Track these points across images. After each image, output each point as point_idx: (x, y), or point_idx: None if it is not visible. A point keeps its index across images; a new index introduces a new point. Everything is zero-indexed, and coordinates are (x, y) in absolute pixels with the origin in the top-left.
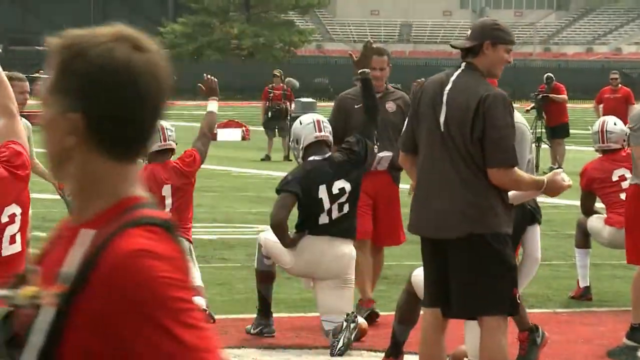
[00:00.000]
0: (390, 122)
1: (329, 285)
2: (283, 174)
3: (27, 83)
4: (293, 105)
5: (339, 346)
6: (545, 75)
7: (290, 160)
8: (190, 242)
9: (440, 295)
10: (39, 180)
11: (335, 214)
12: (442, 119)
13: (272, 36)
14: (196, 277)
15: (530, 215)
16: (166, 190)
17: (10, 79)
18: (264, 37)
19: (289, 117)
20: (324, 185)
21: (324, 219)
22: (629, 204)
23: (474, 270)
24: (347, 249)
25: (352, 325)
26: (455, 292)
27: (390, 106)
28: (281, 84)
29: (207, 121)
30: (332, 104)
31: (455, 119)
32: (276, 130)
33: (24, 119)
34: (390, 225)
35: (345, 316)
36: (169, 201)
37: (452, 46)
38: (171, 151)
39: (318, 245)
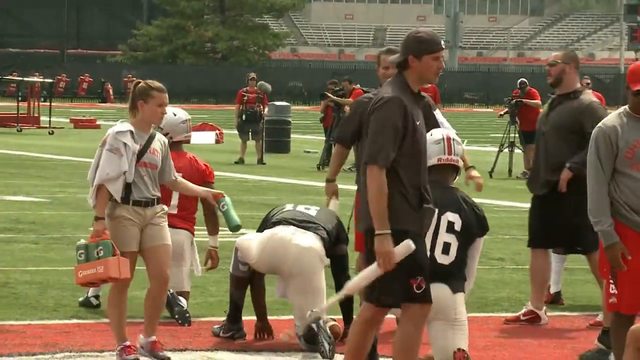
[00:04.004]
0: None
1: (298, 290)
2: (256, 178)
3: (167, 95)
4: (267, 109)
5: (328, 349)
6: (519, 81)
7: (264, 164)
8: (193, 233)
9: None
10: (13, 182)
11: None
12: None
13: (246, 39)
14: (186, 281)
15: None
16: None
17: (149, 87)
18: (238, 40)
19: (262, 121)
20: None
21: (288, 207)
22: None
23: None
24: (314, 242)
25: (321, 324)
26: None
27: None
28: (255, 87)
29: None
30: (306, 107)
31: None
32: (250, 133)
33: (161, 135)
34: None
35: (309, 319)
36: (176, 193)
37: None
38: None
39: (280, 234)
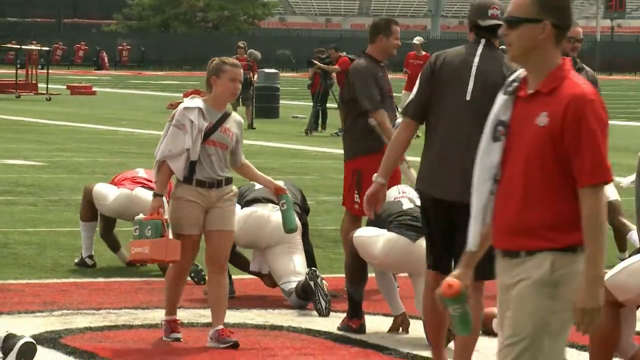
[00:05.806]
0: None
1: (278, 253)
2: (246, 142)
3: (241, 70)
4: (256, 76)
5: (324, 307)
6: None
7: (254, 129)
8: None
9: (445, 257)
10: (12, 146)
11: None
12: (470, 87)
13: (236, 9)
14: None
15: None
16: None
17: (222, 62)
18: (228, 10)
19: (252, 87)
20: None
21: (259, 185)
22: None
23: None
24: None
25: (319, 282)
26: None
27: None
28: (245, 55)
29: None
30: (295, 74)
31: (487, 89)
32: (240, 99)
33: (237, 116)
34: None
35: (307, 277)
36: None
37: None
38: None
39: (259, 212)
